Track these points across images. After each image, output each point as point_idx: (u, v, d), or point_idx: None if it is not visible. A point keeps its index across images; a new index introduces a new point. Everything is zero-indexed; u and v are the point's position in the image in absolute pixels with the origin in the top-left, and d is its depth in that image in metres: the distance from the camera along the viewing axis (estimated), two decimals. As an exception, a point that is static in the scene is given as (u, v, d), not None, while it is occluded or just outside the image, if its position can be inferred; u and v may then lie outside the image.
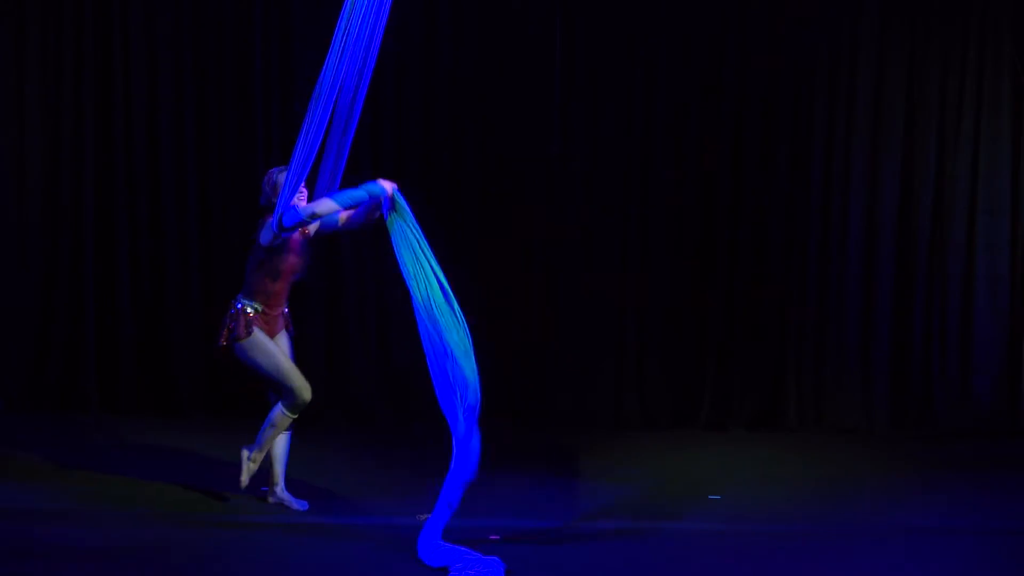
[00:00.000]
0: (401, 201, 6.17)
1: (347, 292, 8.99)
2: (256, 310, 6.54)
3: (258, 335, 6.52)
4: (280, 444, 6.65)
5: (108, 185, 8.93)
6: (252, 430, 8.65)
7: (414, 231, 6.20)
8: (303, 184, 6.35)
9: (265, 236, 6.38)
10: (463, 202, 8.95)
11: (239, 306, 6.56)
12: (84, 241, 8.92)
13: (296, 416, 6.55)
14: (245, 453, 6.60)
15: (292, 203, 6.25)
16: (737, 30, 8.79)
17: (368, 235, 8.93)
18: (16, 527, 6.28)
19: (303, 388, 6.51)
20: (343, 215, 6.44)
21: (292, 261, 6.51)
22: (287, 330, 6.69)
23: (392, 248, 6.21)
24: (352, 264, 8.97)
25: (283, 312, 6.67)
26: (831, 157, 8.86)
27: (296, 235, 6.48)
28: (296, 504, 6.61)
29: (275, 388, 6.58)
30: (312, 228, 6.54)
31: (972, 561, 6.01)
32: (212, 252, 8.96)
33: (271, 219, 6.33)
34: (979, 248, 8.82)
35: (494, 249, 8.91)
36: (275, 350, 6.54)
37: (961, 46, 8.77)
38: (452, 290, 6.02)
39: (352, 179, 6.52)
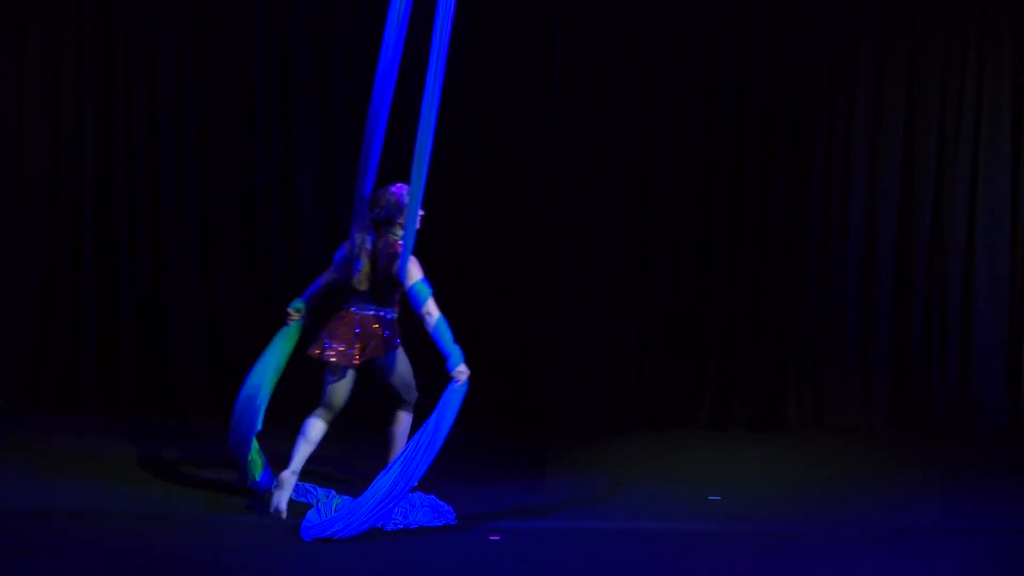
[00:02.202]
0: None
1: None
2: (396, 320, 6.63)
3: None
4: (315, 433, 6.61)
5: (108, 185, 8.94)
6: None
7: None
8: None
9: (403, 273, 6.42)
10: (463, 202, 8.95)
11: (391, 316, 6.58)
12: (84, 241, 8.92)
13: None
14: None
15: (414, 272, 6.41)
16: (737, 30, 8.79)
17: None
18: (16, 527, 6.28)
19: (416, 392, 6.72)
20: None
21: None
22: None
23: None
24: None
25: None
26: (831, 157, 8.85)
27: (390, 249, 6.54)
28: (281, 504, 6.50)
29: (404, 393, 6.67)
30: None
31: (972, 561, 6.01)
32: (212, 252, 8.97)
33: (405, 257, 6.40)
34: (979, 248, 8.81)
35: (494, 249, 8.91)
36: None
37: (961, 46, 8.76)
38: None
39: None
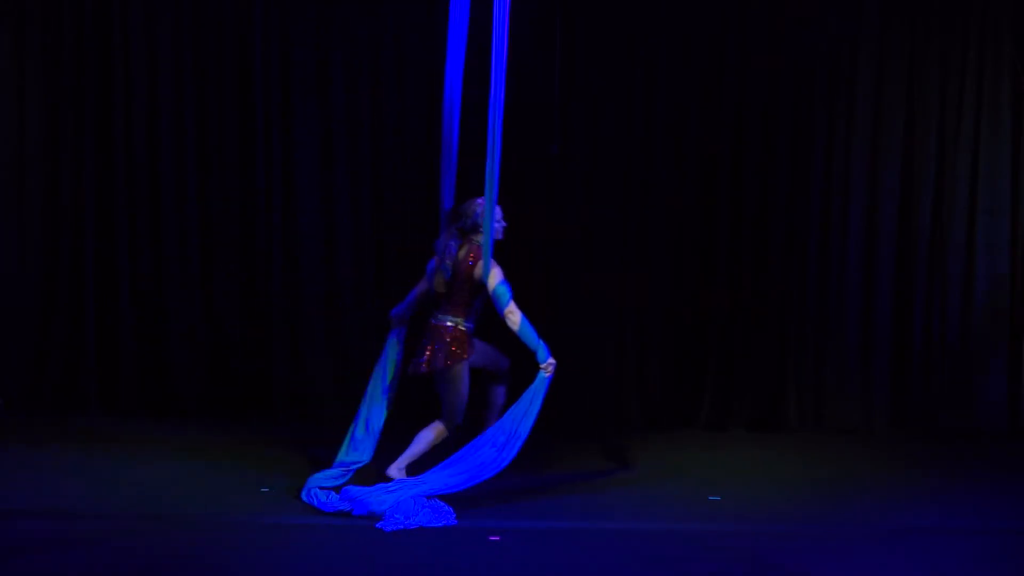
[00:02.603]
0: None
1: (344, 293, 9.00)
2: (472, 332, 6.83)
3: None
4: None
5: (108, 185, 8.94)
6: (251, 429, 8.69)
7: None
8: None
9: (485, 276, 6.68)
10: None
11: (465, 327, 6.79)
12: (84, 241, 8.92)
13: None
14: (393, 474, 6.82)
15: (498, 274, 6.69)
16: (737, 30, 8.79)
17: (367, 240, 8.99)
18: (16, 526, 6.28)
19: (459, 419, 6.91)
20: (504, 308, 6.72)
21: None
22: None
23: None
24: (350, 270, 8.99)
25: None
26: (831, 157, 8.85)
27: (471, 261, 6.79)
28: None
29: (451, 411, 6.81)
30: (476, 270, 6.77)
31: (972, 561, 6.01)
32: (212, 252, 8.97)
33: (486, 261, 6.67)
34: (979, 248, 8.81)
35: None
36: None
37: (961, 47, 8.76)
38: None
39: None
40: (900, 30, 8.77)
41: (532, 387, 6.68)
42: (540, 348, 6.65)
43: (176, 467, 7.47)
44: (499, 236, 6.87)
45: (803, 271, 8.89)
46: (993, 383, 8.82)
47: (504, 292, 6.66)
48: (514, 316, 6.64)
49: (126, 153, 8.91)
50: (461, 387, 6.80)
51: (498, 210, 6.84)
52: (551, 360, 6.66)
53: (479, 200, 6.85)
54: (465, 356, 6.75)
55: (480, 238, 6.79)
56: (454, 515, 6.45)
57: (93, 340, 8.93)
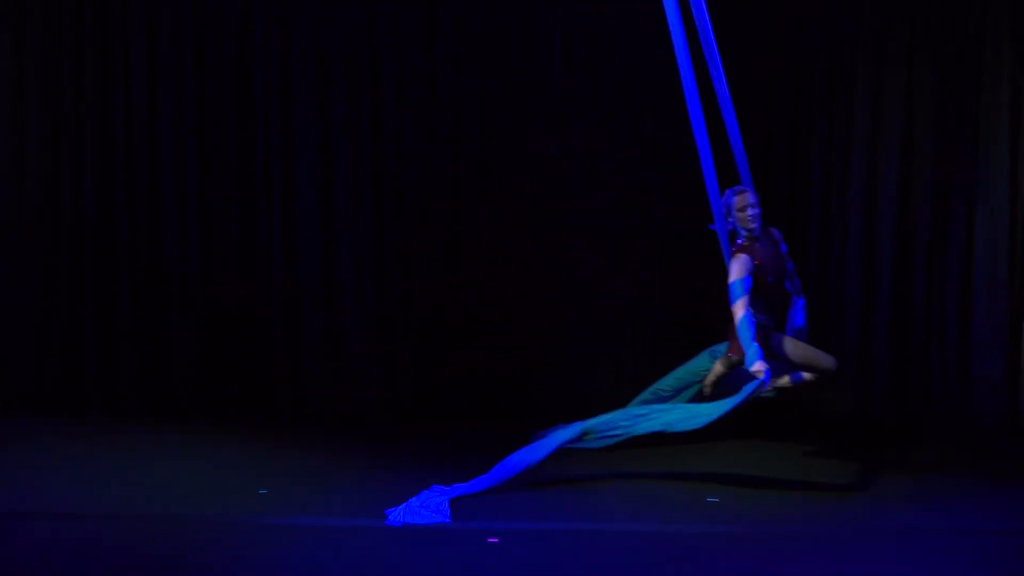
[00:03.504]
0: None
1: (344, 293, 9.00)
2: (766, 324, 7.13)
3: None
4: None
5: (108, 185, 8.95)
6: (251, 429, 8.71)
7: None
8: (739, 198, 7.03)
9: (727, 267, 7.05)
10: (464, 202, 8.95)
11: (760, 319, 7.06)
12: (84, 241, 8.93)
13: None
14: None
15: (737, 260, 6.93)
16: (737, 30, 8.79)
17: (367, 240, 8.99)
18: (15, 527, 6.28)
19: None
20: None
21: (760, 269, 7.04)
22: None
23: None
24: (350, 270, 8.99)
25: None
26: (831, 157, 8.85)
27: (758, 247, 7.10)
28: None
29: (812, 364, 7.21)
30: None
31: (972, 561, 6.01)
32: (212, 252, 8.97)
33: (726, 254, 7.00)
34: (978, 249, 8.80)
35: (494, 249, 8.90)
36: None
37: (960, 46, 8.75)
38: None
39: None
40: (900, 30, 8.77)
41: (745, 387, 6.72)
42: (750, 350, 6.68)
43: (176, 467, 7.47)
44: (749, 224, 6.98)
45: (803, 271, 8.88)
46: (992, 383, 8.81)
47: (731, 291, 6.74)
48: (735, 316, 6.72)
49: (126, 153, 8.92)
50: (797, 346, 7.06)
51: (749, 196, 6.97)
52: (758, 366, 6.66)
53: (728, 191, 7.04)
54: (739, 353, 6.94)
55: (741, 229, 6.97)
56: (448, 513, 6.42)
57: (93, 340, 8.94)
